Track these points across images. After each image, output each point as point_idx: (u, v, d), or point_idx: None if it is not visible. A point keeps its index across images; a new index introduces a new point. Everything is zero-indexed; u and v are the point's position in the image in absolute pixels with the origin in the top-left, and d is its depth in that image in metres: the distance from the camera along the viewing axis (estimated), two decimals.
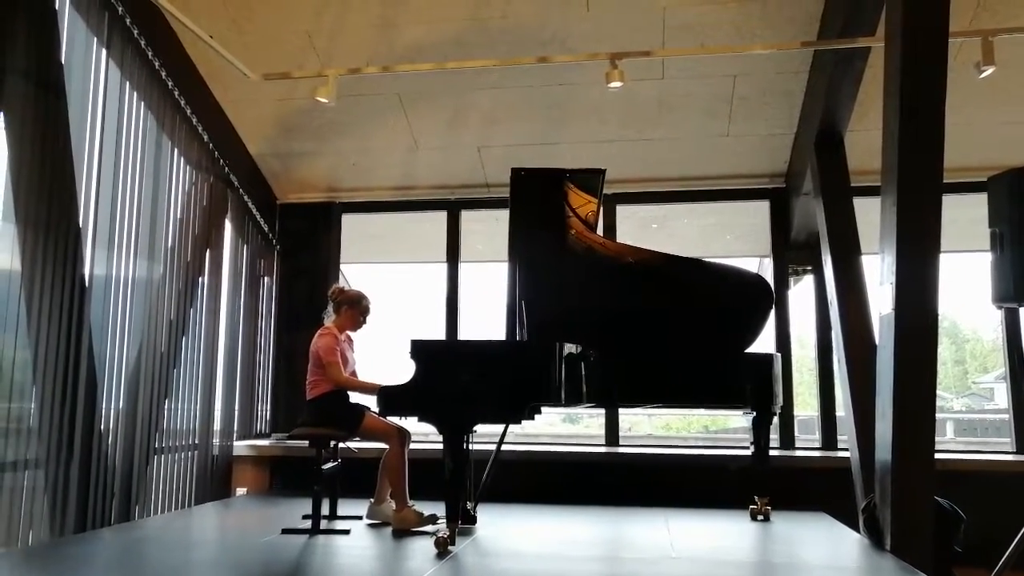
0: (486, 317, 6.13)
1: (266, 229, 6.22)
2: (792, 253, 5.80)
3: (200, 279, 5.30)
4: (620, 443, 5.78)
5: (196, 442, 5.22)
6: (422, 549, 3.60)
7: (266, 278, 6.23)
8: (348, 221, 6.41)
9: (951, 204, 3.55)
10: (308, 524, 4.01)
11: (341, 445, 4.46)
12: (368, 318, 4.42)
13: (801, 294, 5.85)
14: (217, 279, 5.53)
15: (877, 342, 3.67)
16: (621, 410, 5.86)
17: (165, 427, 4.85)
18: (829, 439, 5.55)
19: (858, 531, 3.96)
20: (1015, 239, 3.18)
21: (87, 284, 4.13)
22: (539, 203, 4.26)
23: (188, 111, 5.16)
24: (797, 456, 5.31)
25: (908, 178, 3.43)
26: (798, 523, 4.40)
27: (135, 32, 4.60)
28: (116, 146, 4.43)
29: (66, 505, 3.95)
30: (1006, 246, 3.20)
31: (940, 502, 3.54)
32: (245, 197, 5.90)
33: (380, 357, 4.79)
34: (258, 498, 5.37)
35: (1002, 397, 6.10)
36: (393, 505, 4.16)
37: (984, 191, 3.39)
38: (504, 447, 4.42)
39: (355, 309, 4.37)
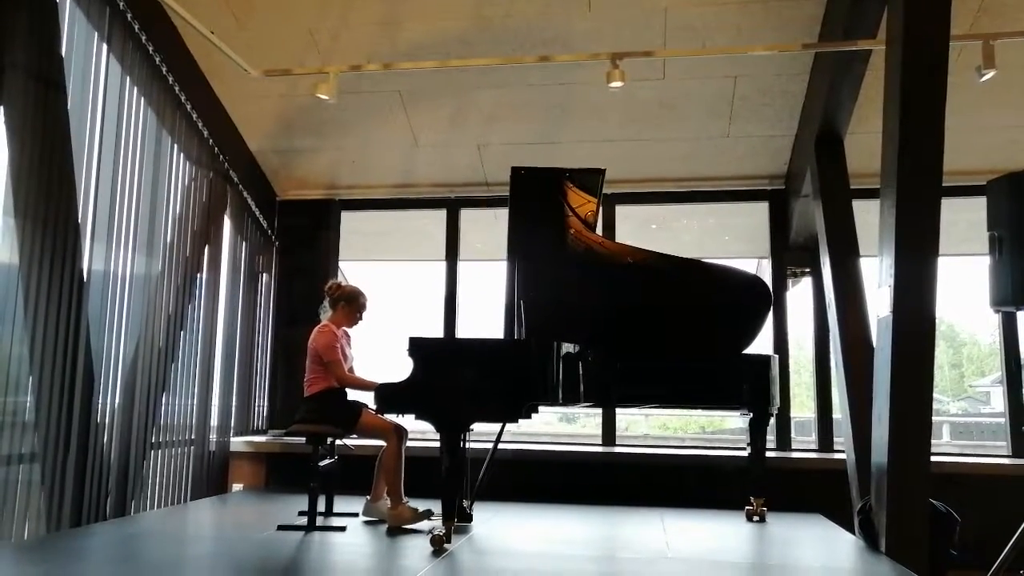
0: (485, 315, 6.13)
1: (265, 226, 6.22)
2: (791, 254, 5.80)
3: (199, 275, 5.29)
4: (617, 443, 5.78)
5: (193, 437, 5.22)
6: (418, 547, 3.61)
7: (265, 275, 6.23)
8: (347, 218, 6.41)
9: (950, 207, 3.56)
10: (304, 521, 4.01)
11: (338, 442, 4.46)
12: (364, 314, 4.43)
13: (799, 296, 5.86)
14: (216, 275, 5.52)
15: (875, 344, 3.68)
16: (618, 410, 5.86)
17: (162, 422, 4.85)
18: (826, 441, 5.55)
19: (853, 533, 3.97)
20: (1014, 243, 3.18)
21: (86, 279, 4.13)
22: (539, 202, 4.26)
23: (188, 107, 5.15)
24: (794, 458, 5.31)
25: (907, 181, 3.43)
26: (794, 525, 4.41)
27: (136, 27, 4.60)
28: (116, 141, 4.43)
29: (62, 499, 3.95)
30: (1005, 250, 3.20)
31: (935, 505, 3.54)
32: (245, 193, 5.90)
33: (378, 354, 4.79)
34: (254, 494, 5.37)
35: (998, 401, 6.10)
36: (389, 502, 4.16)
37: (983, 195, 3.39)
38: (501, 446, 4.43)
39: (352, 306, 4.37)
